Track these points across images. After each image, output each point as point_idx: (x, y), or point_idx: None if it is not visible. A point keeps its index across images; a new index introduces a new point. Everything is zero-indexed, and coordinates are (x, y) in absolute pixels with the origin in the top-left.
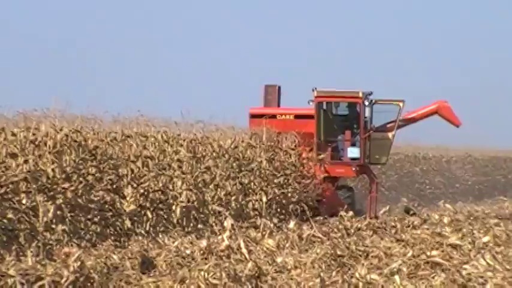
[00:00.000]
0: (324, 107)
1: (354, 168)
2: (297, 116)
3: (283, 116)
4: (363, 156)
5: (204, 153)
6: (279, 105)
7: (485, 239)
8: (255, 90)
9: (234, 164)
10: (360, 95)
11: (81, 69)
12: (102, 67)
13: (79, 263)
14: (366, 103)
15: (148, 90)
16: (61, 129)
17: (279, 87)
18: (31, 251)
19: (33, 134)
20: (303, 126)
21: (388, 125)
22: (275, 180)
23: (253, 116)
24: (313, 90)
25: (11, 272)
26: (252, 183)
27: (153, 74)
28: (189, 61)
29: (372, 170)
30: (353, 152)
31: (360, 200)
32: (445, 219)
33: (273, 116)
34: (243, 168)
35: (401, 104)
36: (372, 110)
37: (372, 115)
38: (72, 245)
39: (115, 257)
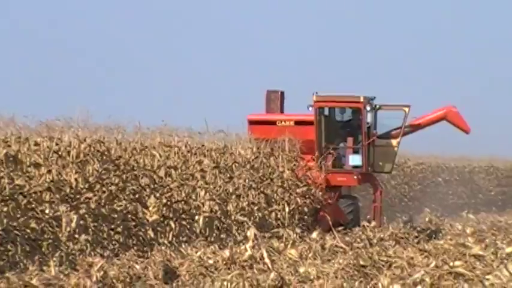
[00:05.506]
0: (326, 112)
1: (356, 177)
2: (298, 122)
3: (283, 123)
4: (366, 164)
5: (226, 163)
6: (282, 111)
7: (509, 249)
8: (259, 96)
9: (256, 174)
10: (361, 99)
11: (100, 78)
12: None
13: (102, 272)
14: (368, 108)
15: (152, 98)
16: (84, 140)
17: (282, 93)
18: (54, 261)
19: (57, 144)
20: (304, 132)
21: (393, 132)
22: (298, 190)
23: (252, 123)
24: (313, 95)
25: (34, 281)
26: (275, 193)
27: (159, 83)
28: (192, 67)
29: (376, 178)
30: (355, 160)
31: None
32: (468, 230)
33: (273, 123)
34: (265, 178)
35: (406, 110)
36: (376, 116)
37: (375, 121)
38: (95, 255)
39: (138, 266)
